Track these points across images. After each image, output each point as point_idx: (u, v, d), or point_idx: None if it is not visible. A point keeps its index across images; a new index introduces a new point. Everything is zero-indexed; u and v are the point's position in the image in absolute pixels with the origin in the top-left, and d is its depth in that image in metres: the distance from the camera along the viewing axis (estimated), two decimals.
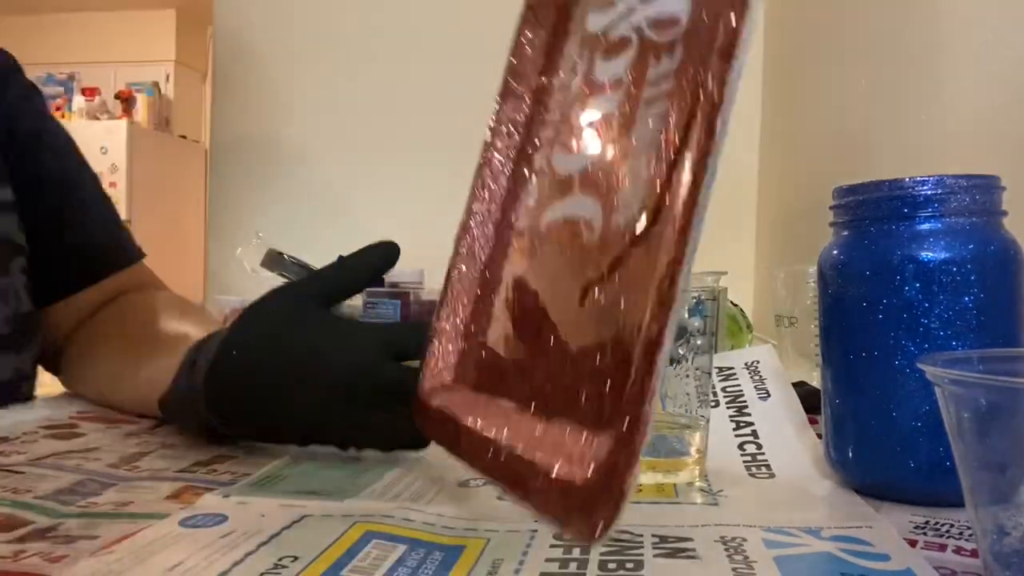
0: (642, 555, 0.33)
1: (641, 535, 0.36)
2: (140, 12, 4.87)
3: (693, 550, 0.34)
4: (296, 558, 0.32)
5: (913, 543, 0.36)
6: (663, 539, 0.35)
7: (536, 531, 0.36)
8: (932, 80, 0.75)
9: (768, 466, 0.47)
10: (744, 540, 0.35)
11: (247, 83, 1.43)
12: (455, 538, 0.35)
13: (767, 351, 0.61)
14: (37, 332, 0.69)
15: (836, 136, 0.99)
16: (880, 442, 0.42)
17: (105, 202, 0.76)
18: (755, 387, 0.57)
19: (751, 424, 0.53)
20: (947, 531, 0.37)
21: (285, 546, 0.34)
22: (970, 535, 0.37)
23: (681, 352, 0.46)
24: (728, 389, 0.57)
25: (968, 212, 0.41)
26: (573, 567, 0.32)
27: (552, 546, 0.34)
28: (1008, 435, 0.30)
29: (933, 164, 0.72)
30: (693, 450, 0.46)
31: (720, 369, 0.60)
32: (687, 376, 0.46)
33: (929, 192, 0.41)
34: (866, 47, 0.91)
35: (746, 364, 0.60)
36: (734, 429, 0.52)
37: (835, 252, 0.44)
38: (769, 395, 0.56)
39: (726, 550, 0.34)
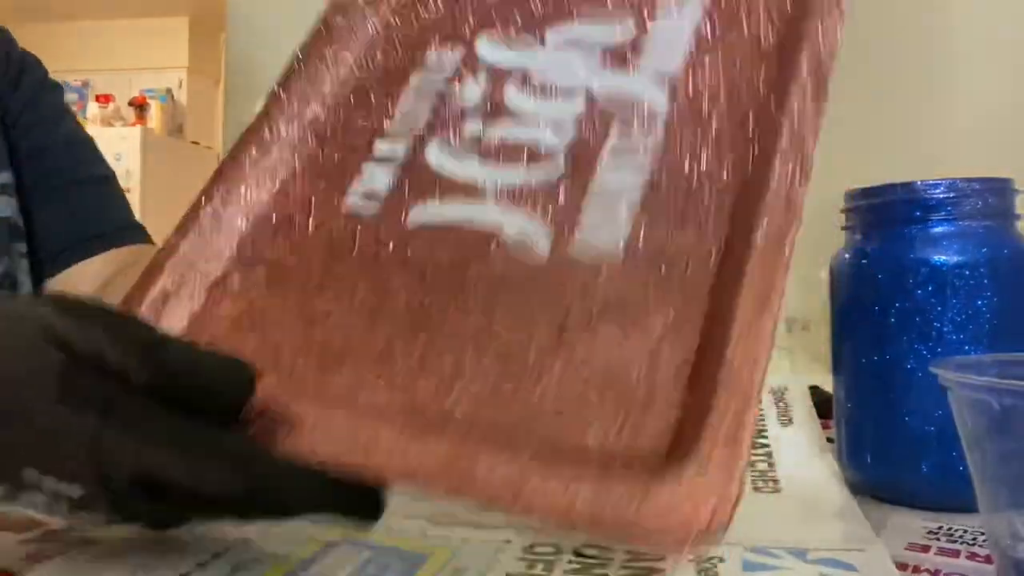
0: (607, 574, 0.33)
1: (615, 551, 0.35)
2: (153, 20, 4.91)
3: (662, 571, 0.33)
4: (258, 561, 0.33)
5: (926, 548, 0.36)
6: (635, 556, 0.34)
7: (510, 541, 0.35)
8: (945, 82, 0.75)
9: (775, 481, 0.47)
10: (721, 560, 0.34)
11: (259, 89, 1.44)
12: (425, 546, 0.35)
13: (798, 379, 0.60)
14: None
15: (848, 139, 0.99)
16: (892, 447, 0.41)
17: (121, 192, 0.75)
18: (779, 413, 0.57)
19: (767, 446, 0.52)
20: (960, 536, 0.37)
21: (252, 548, 0.34)
22: (984, 541, 0.36)
23: None
24: None
25: (981, 215, 0.41)
26: None
27: (518, 559, 0.34)
28: (1022, 440, 0.30)
29: (946, 167, 0.72)
30: None
31: None
32: None
33: (942, 195, 0.41)
34: (878, 49, 0.90)
35: (772, 390, 0.60)
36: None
37: (847, 256, 0.44)
38: (791, 422, 0.55)
39: (697, 571, 0.33)
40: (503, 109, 0.39)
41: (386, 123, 0.40)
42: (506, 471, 0.27)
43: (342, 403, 0.30)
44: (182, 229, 0.36)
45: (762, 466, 0.49)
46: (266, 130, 0.39)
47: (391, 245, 0.36)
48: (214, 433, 0.28)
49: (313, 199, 0.38)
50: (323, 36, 0.42)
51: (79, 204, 0.69)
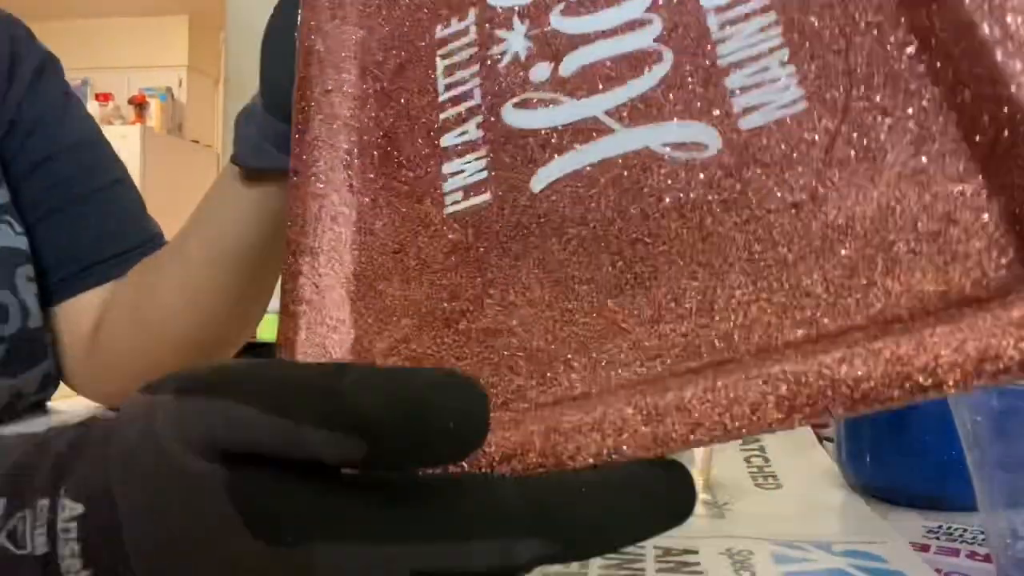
0: (644, 570, 0.33)
1: (643, 547, 0.35)
2: (153, 18, 4.91)
3: (698, 564, 0.33)
4: None
5: (926, 548, 0.36)
6: (667, 551, 0.35)
7: None
8: None
9: (775, 476, 0.47)
10: (751, 554, 0.34)
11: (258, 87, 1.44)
12: None
13: None
14: (45, 348, 0.61)
15: None
16: (892, 446, 0.41)
17: (131, 195, 0.68)
18: None
19: (758, 440, 0.52)
20: (960, 535, 0.37)
21: None
22: (983, 539, 0.36)
23: None
24: None
25: None
26: None
27: None
28: (1021, 439, 0.30)
29: None
30: (698, 460, 0.45)
31: None
32: None
33: None
34: None
35: None
36: (741, 445, 0.52)
37: None
38: None
39: (732, 564, 0.33)
40: (562, 40, 0.34)
41: (436, 116, 0.36)
42: (863, 356, 0.21)
43: (591, 394, 0.25)
44: (290, 315, 0.32)
45: (758, 461, 0.49)
46: (315, 183, 0.35)
47: (532, 218, 0.30)
48: (473, 489, 0.20)
49: (404, 224, 0.33)
50: (313, 65, 0.38)
51: (81, 224, 0.63)
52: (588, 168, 0.30)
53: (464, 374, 0.20)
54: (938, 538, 0.37)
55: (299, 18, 0.39)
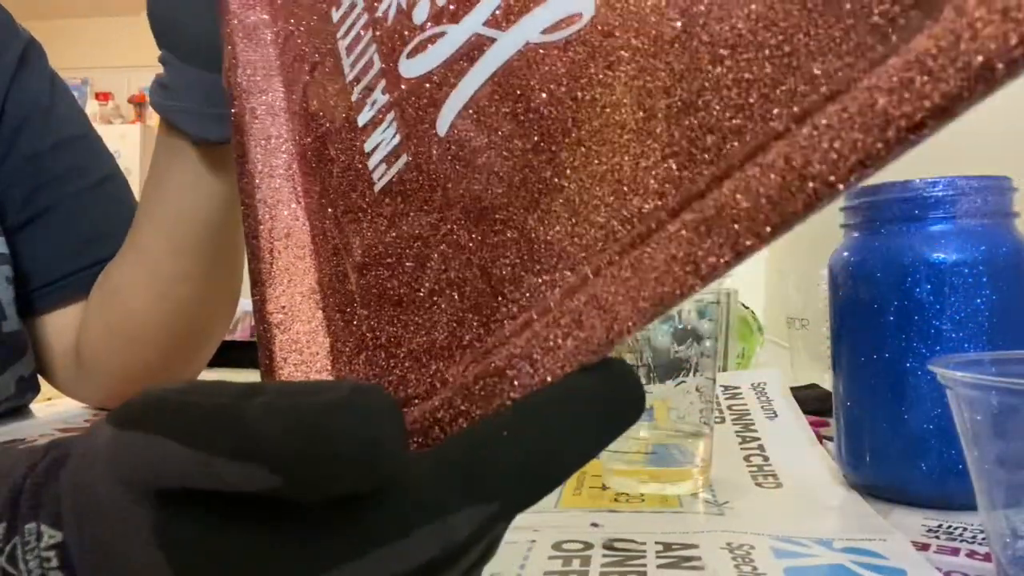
0: (645, 565, 0.33)
1: (644, 543, 0.35)
2: None
3: (699, 558, 0.33)
4: None
5: (926, 547, 0.36)
6: (667, 547, 0.35)
7: (534, 542, 0.35)
8: None
9: (775, 476, 0.47)
10: (752, 548, 0.34)
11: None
12: None
13: (774, 374, 0.61)
14: (22, 351, 0.59)
15: None
16: (891, 445, 0.41)
17: (119, 192, 0.64)
18: (762, 407, 0.57)
19: (758, 439, 0.53)
20: (960, 535, 0.37)
21: None
22: (983, 539, 0.36)
23: (690, 353, 0.46)
24: (734, 407, 0.57)
25: (979, 214, 0.41)
26: None
27: (551, 557, 0.34)
28: (1021, 437, 0.30)
29: (944, 165, 0.72)
30: (698, 459, 0.45)
31: (726, 388, 0.60)
32: (695, 391, 0.46)
33: (940, 193, 0.41)
34: None
35: (752, 385, 0.60)
36: (740, 443, 0.52)
37: (846, 254, 0.44)
38: (776, 415, 0.56)
39: (733, 559, 0.33)
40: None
41: (349, 99, 0.35)
42: (757, 176, 0.20)
43: (529, 321, 0.24)
44: (264, 344, 0.31)
45: (758, 460, 0.49)
46: (262, 208, 0.35)
47: (446, 163, 0.29)
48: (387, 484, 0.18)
49: (346, 217, 0.33)
50: (240, 97, 0.38)
51: (66, 228, 0.60)
52: (481, 89, 0.29)
53: (371, 389, 0.18)
54: (938, 537, 0.37)
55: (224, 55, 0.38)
